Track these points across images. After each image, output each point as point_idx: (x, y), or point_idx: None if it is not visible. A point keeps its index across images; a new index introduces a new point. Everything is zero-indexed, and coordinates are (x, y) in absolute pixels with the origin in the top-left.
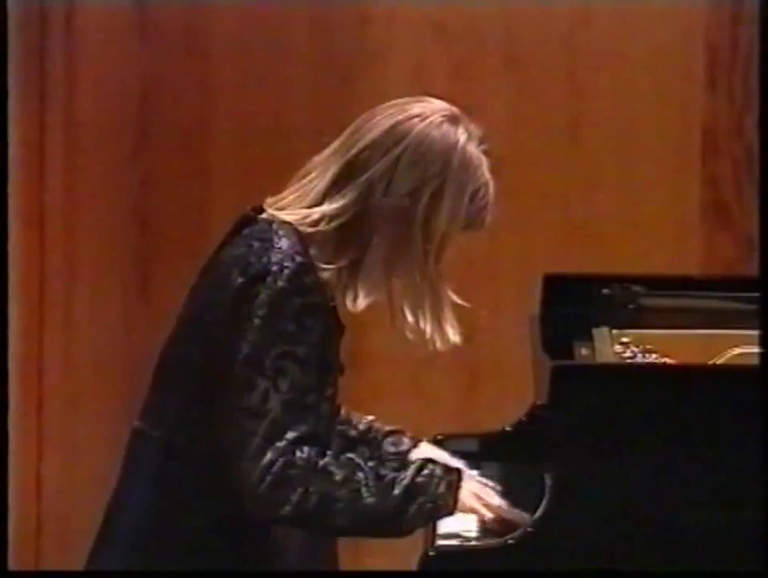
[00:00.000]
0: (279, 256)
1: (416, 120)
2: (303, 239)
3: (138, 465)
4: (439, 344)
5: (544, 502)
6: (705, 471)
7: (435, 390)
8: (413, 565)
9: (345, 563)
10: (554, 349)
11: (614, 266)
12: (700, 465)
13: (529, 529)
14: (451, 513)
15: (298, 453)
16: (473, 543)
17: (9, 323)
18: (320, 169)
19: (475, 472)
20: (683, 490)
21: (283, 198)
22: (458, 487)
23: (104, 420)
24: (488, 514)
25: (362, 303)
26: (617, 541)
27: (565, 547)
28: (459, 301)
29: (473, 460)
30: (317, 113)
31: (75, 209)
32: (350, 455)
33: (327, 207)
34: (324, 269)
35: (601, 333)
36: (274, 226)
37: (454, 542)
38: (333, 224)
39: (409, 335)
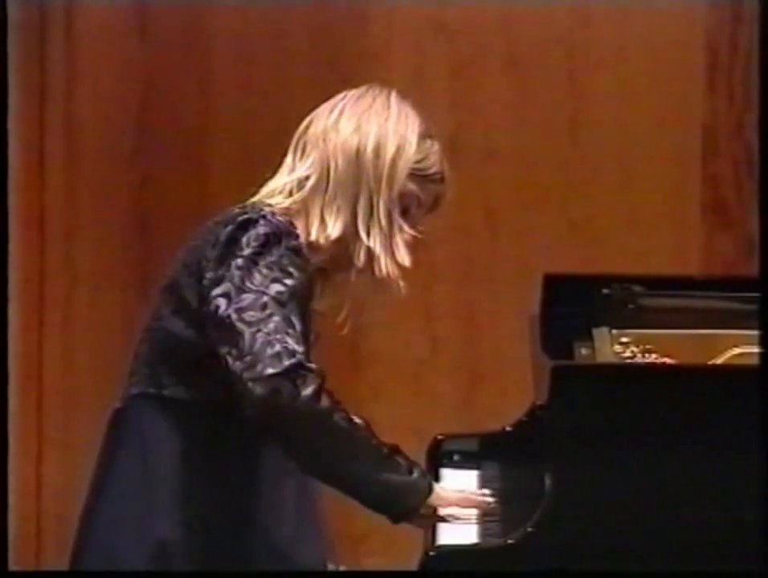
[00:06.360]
0: (269, 211)
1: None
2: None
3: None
4: (383, 265)
5: (544, 502)
6: (705, 471)
7: (435, 390)
8: (413, 565)
9: (345, 564)
10: (554, 349)
11: (614, 266)
12: (700, 465)
13: (529, 529)
14: (424, 499)
15: (309, 364)
16: (473, 542)
17: (9, 323)
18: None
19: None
20: (682, 490)
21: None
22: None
23: (104, 420)
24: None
25: (333, 231)
26: (617, 541)
27: (565, 547)
28: (414, 233)
29: (473, 460)
30: None
31: (75, 209)
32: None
33: (296, 173)
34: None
35: (601, 333)
36: (258, 204)
37: (454, 542)
38: (308, 185)
39: (361, 258)
